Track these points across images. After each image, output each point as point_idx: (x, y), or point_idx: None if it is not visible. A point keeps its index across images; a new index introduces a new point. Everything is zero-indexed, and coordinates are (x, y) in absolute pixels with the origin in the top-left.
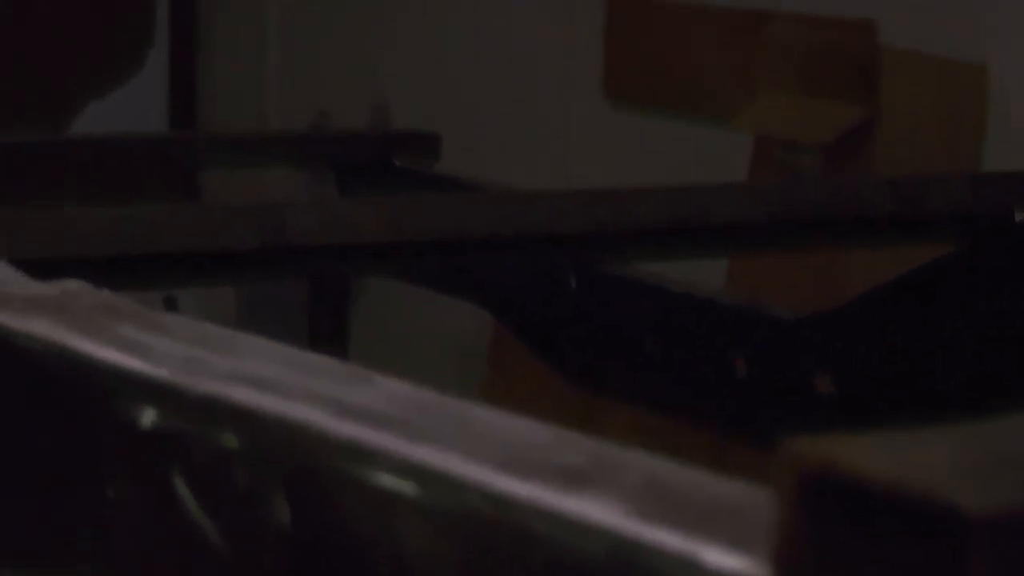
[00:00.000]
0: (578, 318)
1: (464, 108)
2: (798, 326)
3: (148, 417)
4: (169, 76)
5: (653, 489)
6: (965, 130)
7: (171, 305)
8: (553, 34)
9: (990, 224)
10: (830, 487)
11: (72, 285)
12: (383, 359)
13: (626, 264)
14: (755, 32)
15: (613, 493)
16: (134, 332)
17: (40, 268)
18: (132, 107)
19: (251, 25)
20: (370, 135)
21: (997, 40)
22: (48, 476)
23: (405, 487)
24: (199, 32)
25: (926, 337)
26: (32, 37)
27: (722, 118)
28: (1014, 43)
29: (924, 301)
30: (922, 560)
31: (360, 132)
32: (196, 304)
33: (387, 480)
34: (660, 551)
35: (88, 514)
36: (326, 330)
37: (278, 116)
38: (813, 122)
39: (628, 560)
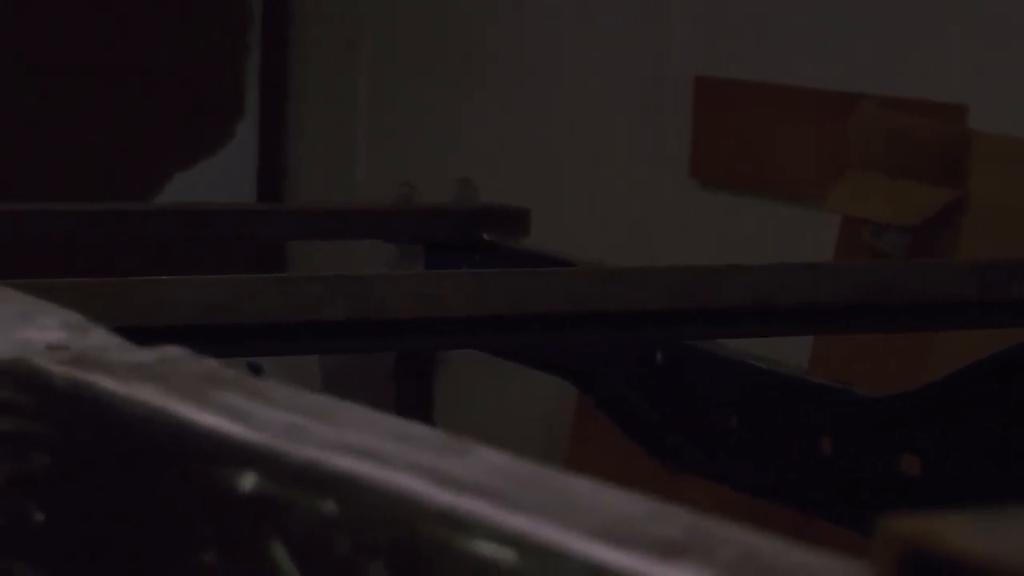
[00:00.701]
0: (663, 394)
1: (552, 185)
2: (884, 405)
3: (248, 483)
4: (258, 148)
5: (749, 562)
6: None
7: (256, 372)
8: (643, 113)
9: None
10: (929, 565)
11: (172, 352)
12: (468, 431)
13: (712, 341)
14: (844, 114)
15: (710, 565)
16: (234, 399)
17: (138, 335)
18: (222, 178)
19: (340, 99)
20: (456, 210)
21: None
22: (147, 543)
23: (504, 556)
24: (289, 105)
25: (1010, 420)
26: (125, 106)
27: (809, 199)
28: None
29: (1008, 384)
30: None
31: (446, 207)
32: (280, 372)
33: (486, 549)
34: None
35: None
36: (411, 401)
37: (366, 189)
38: (901, 204)
39: None
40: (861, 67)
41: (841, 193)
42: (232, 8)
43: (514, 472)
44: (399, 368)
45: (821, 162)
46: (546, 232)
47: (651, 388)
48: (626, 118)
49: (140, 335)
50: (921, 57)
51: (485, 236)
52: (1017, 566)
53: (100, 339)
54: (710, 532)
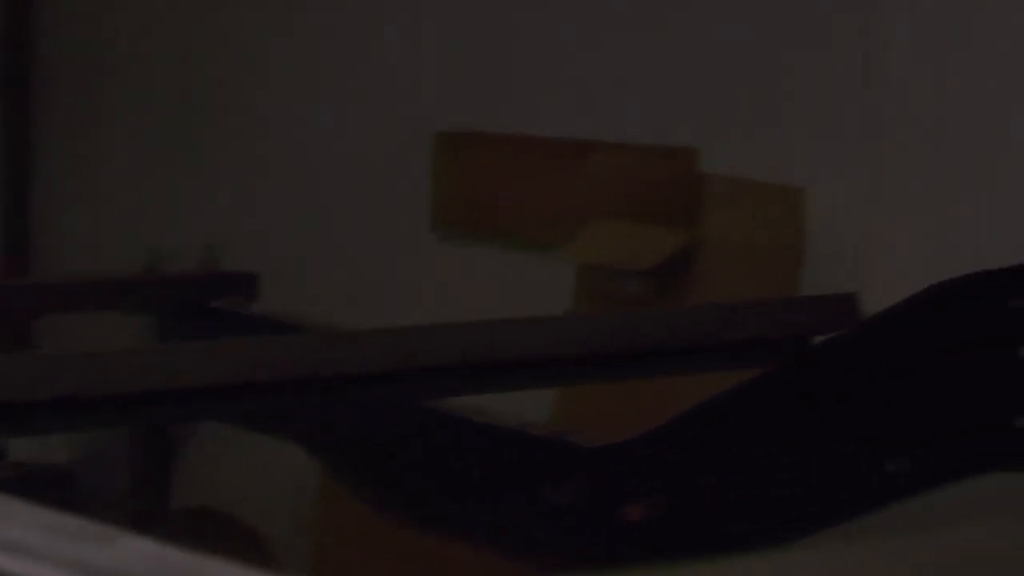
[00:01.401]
0: (396, 455)
1: (295, 244)
2: (606, 454)
3: None
4: (3, 223)
5: None
6: (785, 252)
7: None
8: (381, 168)
9: (791, 347)
10: None
11: None
12: (214, 501)
13: (444, 399)
14: (579, 161)
15: None
16: None
17: None
18: None
19: (86, 171)
20: (192, 277)
21: (816, 168)
22: None
23: None
24: (32, 178)
25: (730, 462)
26: None
27: (547, 247)
28: (832, 168)
29: (728, 425)
30: None
31: (183, 274)
32: (30, 449)
33: None
34: None
35: None
36: (151, 477)
37: (113, 260)
38: (636, 248)
39: None
40: (595, 115)
41: (578, 240)
42: None
43: (160, 558)
44: (136, 445)
45: (559, 210)
46: (292, 291)
47: (384, 450)
48: (365, 173)
49: None
50: (652, 102)
51: (214, 304)
52: None
53: None
54: None
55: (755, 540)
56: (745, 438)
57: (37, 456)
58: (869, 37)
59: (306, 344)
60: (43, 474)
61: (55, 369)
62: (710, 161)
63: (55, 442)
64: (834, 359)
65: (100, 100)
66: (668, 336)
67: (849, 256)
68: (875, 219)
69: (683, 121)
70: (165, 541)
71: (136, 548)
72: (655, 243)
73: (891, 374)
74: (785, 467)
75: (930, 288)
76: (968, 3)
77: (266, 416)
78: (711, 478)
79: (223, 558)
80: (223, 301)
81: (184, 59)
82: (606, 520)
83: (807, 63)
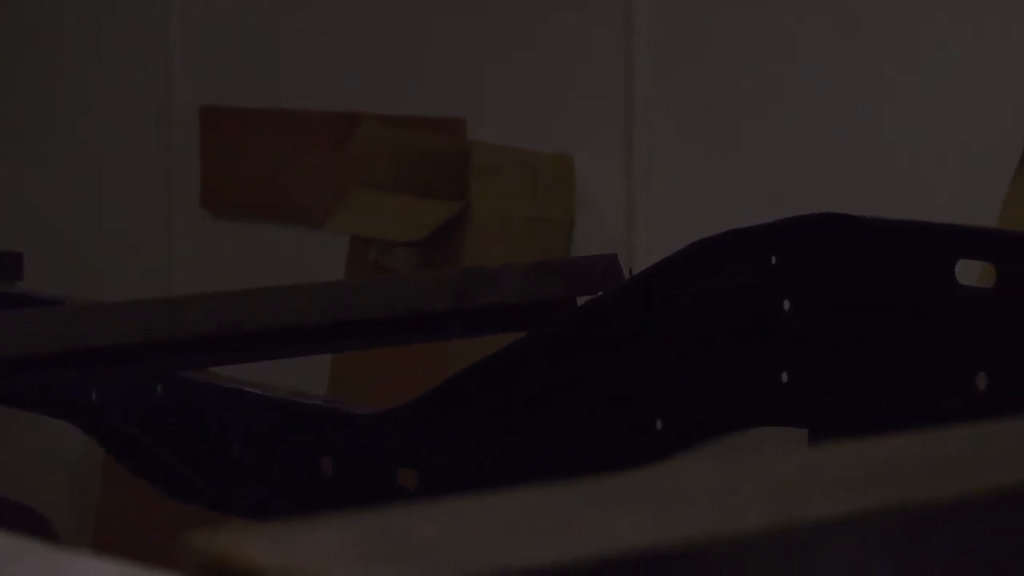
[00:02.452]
0: (166, 428)
1: (65, 224)
2: (377, 421)
3: None
4: None
5: None
6: (554, 217)
7: None
8: (152, 146)
9: (556, 309)
10: None
11: None
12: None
13: (209, 371)
14: (348, 135)
15: None
16: None
17: None
18: None
19: None
20: None
21: (582, 134)
22: None
23: None
24: None
25: (496, 426)
26: None
27: (318, 221)
28: (596, 137)
29: (492, 390)
30: None
31: None
32: None
33: None
34: None
35: None
36: None
37: None
38: (405, 220)
39: None
40: (361, 88)
41: (346, 213)
42: None
43: None
44: None
45: (329, 183)
46: (61, 272)
47: (153, 423)
48: (133, 151)
49: None
50: (419, 73)
51: None
52: (306, 573)
53: None
54: None
55: None
56: (513, 399)
57: None
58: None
59: (62, 316)
60: None
61: None
62: (478, 131)
63: None
64: (597, 318)
65: None
66: (427, 300)
67: (616, 222)
68: (635, 186)
69: (450, 91)
70: None
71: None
72: (425, 214)
73: (654, 333)
74: (551, 430)
75: (689, 246)
76: None
77: (34, 393)
78: (483, 441)
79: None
80: None
81: None
82: (384, 488)
83: (569, 33)
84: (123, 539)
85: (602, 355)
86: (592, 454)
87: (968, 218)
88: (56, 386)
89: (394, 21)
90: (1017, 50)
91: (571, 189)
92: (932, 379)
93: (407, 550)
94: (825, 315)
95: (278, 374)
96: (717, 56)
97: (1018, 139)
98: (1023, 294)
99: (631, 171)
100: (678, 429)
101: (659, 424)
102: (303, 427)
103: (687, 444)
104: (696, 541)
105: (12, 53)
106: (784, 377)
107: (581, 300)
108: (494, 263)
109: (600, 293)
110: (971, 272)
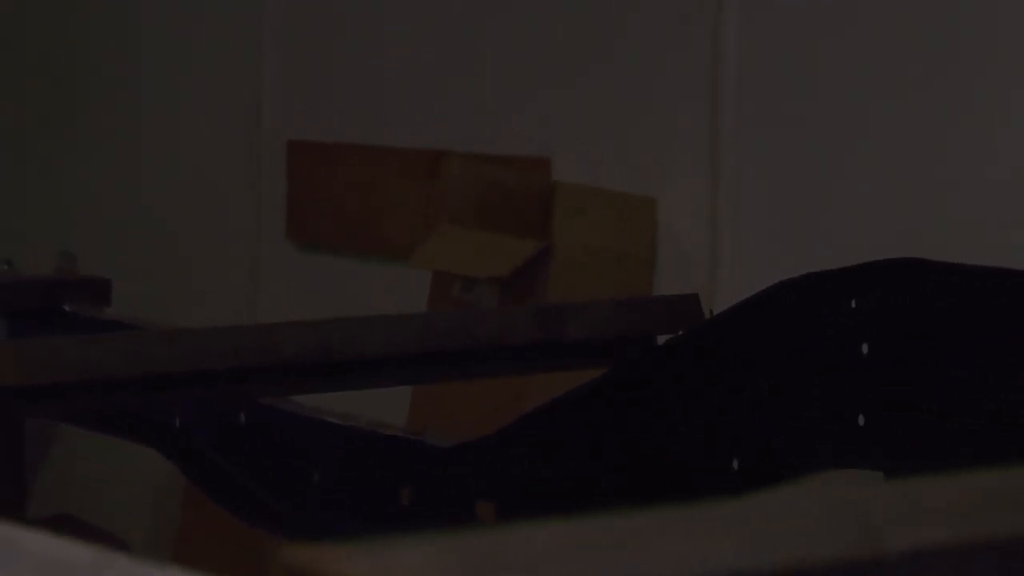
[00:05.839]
0: (248, 455)
1: (153, 252)
2: (458, 454)
3: None
4: None
5: None
6: (636, 258)
7: None
8: (241, 179)
9: (636, 346)
10: None
11: None
12: (77, 507)
13: (292, 400)
14: (434, 171)
15: None
16: None
17: None
18: None
19: None
20: (45, 281)
21: (667, 175)
22: None
23: None
24: None
25: (574, 460)
26: None
27: (403, 256)
28: (681, 179)
29: (576, 422)
30: None
31: (36, 278)
32: None
33: None
34: None
35: None
36: (5, 485)
37: None
38: (489, 256)
39: None
40: (449, 125)
41: (430, 248)
42: None
43: None
44: None
45: (414, 219)
46: (148, 299)
47: (235, 449)
48: (222, 183)
49: None
50: (506, 112)
51: (67, 307)
52: None
53: None
54: None
55: None
56: (592, 434)
57: None
58: (712, 52)
59: (150, 340)
60: None
61: None
62: (562, 171)
63: None
64: (676, 357)
65: None
66: (511, 334)
67: (699, 263)
68: (721, 227)
69: (535, 131)
70: None
71: None
72: (508, 251)
73: (733, 371)
74: (630, 466)
75: (769, 287)
76: (805, 23)
77: (118, 417)
78: (561, 475)
79: None
80: (76, 305)
81: (33, 72)
82: (459, 519)
83: (654, 76)
84: (201, 566)
85: (680, 393)
86: (669, 492)
87: None
88: (140, 411)
89: (483, 60)
90: None
91: (653, 229)
92: (1008, 420)
93: (497, 565)
94: (902, 358)
95: (360, 401)
96: (807, 99)
97: None
98: None
99: (715, 212)
100: (754, 468)
101: (735, 463)
102: (383, 457)
103: (762, 484)
104: (779, 567)
105: (104, 87)
106: (861, 420)
107: (662, 339)
108: (574, 298)
109: (680, 332)
110: None
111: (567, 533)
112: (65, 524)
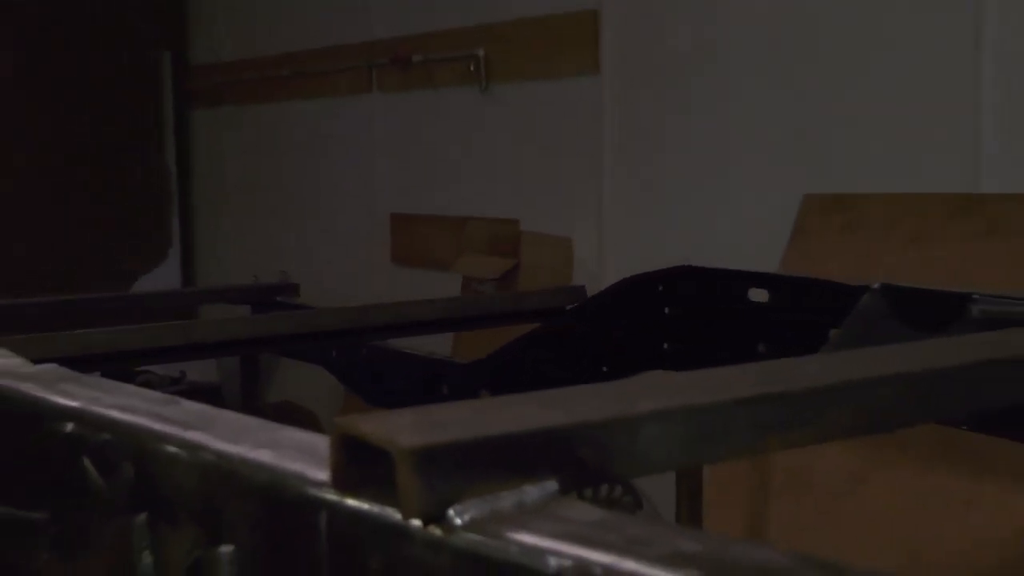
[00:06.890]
0: (364, 376)
1: (318, 271)
2: (471, 366)
3: (68, 427)
4: (180, 261)
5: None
6: (563, 271)
7: (178, 382)
8: (366, 228)
9: (555, 311)
10: (349, 440)
11: (50, 367)
12: (295, 397)
13: (388, 342)
14: (462, 227)
15: None
16: (72, 388)
17: (67, 363)
18: (163, 277)
19: (213, 233)
20: (271, 286)
21: (577, 226)
22: (24, 456)
23: (184, 456)
24: (196, 236)
25: (535, 368)
26: (107, 237)
27: (446, 267)
28: (583, 228)
29: (527, 350)
30: (384, 473)
31: (267, 284)
32: (201, 373)
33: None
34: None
35: None
36: (250, 384)
37: (236, 278)
38: (489, 268)
39: None
40: (469, 200)
41: (459, 264)
42: (158, 173)
43: (201, 414)
44: (243, 367)
45: (452, 249)
46: (318, 294)
47: (361, 371)
48: (358, 233)
49: (67, 363)
50: (497, 196)
51: (279, 299)
52: (384, 435)
53: (12, 361)
54: None
55: None
56: (536, 355)
57: (199, 377)
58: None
59: (308, 316)
60: (204, 388)
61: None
62: (525, 223)
63: (211, 368)
64: (574, 316)
65: (224, 183)
66: (498, 306)
67: (593, 273)
68: (605, 253)
69: (512, 201)
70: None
71: (191, 408)
72: (498, 265)
73: (599, 327)
74: (556, 373)
75: (616, 283)
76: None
77: (304, 352)
78: (527, 376)
79: None
80: (283, 297)
81: (274, 164)
82: None
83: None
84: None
85: (573, 343)
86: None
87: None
88: (314, 350)
89: (488, 159)
90: None
91: (571, 255)
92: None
93: (438, 423)
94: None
95: (422, 345)
96: (665, 141)
97: None
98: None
99: (601, 246)
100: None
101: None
102: (433, 370)
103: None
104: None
105: (267, 168)
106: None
107: (570, 307)
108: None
109: (575, 304)
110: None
111: (483, 406)
112: (287, 409)
